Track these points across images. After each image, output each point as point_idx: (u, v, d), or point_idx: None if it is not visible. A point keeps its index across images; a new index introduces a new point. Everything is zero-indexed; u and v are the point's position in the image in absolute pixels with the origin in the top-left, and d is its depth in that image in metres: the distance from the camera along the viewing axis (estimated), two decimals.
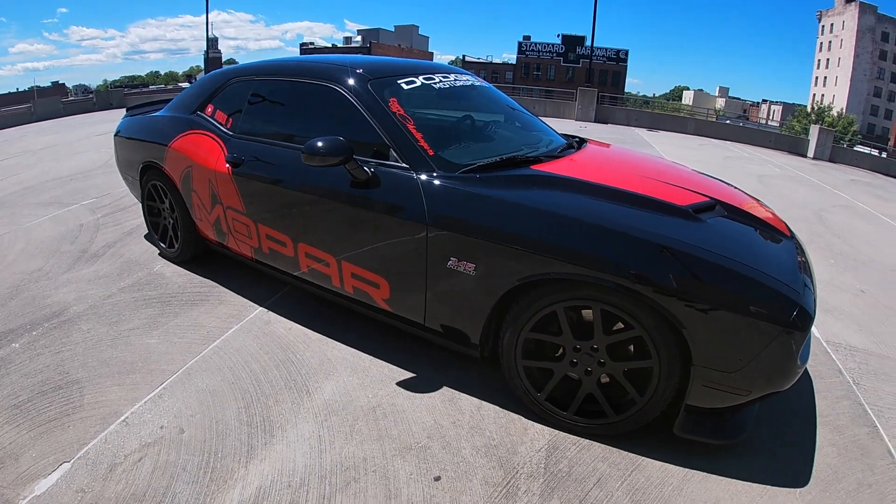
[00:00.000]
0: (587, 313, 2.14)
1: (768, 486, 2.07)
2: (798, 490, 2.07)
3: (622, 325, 2.08)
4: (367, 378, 2.63)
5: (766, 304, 1.88)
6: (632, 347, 2.15)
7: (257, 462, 2.10)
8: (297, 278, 3.02)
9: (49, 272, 3.87)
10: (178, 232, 3.80)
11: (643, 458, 2.17)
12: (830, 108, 48.63)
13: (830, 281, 4.48)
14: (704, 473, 2.11)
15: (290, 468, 2.07)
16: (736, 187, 2.98)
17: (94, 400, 2.46)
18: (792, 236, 2.52)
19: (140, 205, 4.61)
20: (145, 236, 4.56)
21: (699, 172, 3.08)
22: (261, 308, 3.31)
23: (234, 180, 3.05)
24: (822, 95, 66.03)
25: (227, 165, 3.07)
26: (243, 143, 3.10)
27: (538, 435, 2.28)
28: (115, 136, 4.33)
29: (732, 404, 2.03)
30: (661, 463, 2.15)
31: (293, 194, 2.80)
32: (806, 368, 2.88)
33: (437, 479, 2.04)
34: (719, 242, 2.10)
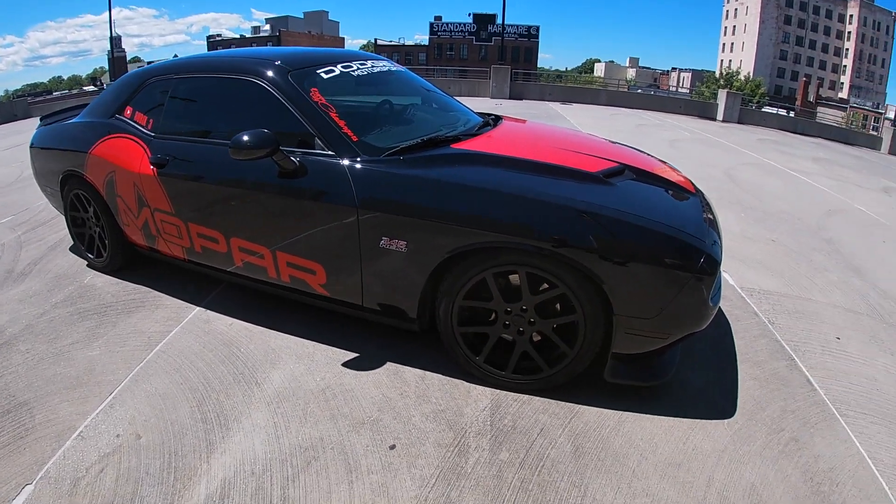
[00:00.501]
0: (514, 278, 2.29)
1: (698, 420, 2.28)
2: (726, 421, 2.28)
3: (547, 286, 2.24)
4: (313, 363, 2.70)
5: (674, 254, 2.08)
6: (558, 305, 2.32)
7: (218, 455, 2.15)
8: (233, 274, 3.04)
9: None
10: (105, 241, 3.72)
11: (580, 406, 2.35)
12: (738, 73, 50.92)
13: (742, 233, 4.82)
14: (638, 414, 2.30)
15: (251, 457, 2.13)
16: (644, 152, 3.19)
17: (46, 419, 2.42)
18: (697, 193, 2.73)
19: (62, 217, 4.46)
20: (70, 248, 4.42)
21: (609, 141, 3.28)
22: (199, 308, 3.31)
23: (160, 182, 3.03)
24: (730, 61, 69.11)
25: (152, 167, 3.04)
26: (167, 143, 3.08)
27: (481, 396, 2.43)
28: (31, 147, 4.16)
29: (655, 348, 2.23)
30: (598, 409, 2.34)
31: (222, 190, 2.83)
32: (723, 312, 3.15)
33: (392, 447, 2.15)
34: (629, 203, 2.28)
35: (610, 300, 2.12)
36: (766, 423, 2.27)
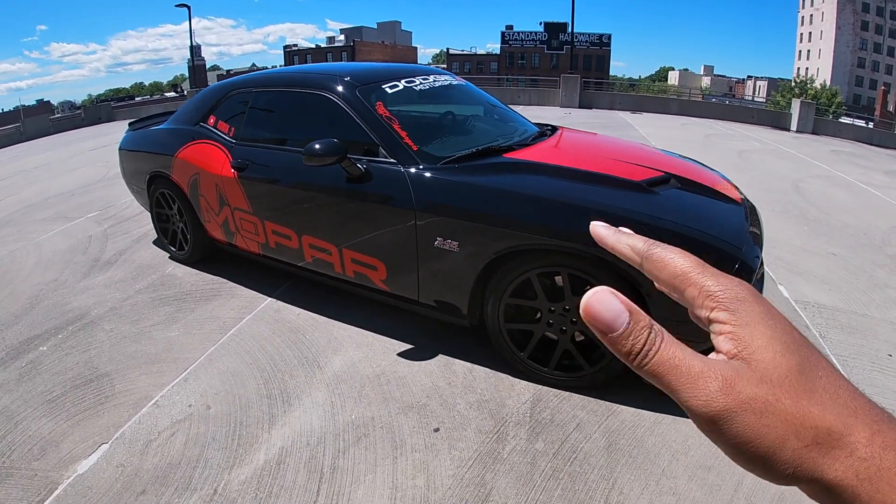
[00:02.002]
0: (558, 279, 2.45)
1: None
2: None
3: (588, 287, 2.39)
4: (371, 351, 2.94)
5: (709, 259, 2.18)
6: None
7: (279, 427, 2.41)
8: (303, 268, 3.32)
9: (66, 281, 4.15)
10: (187, 235, 4.10)
11: (618, 405, 2.46)
12: (812, 81, 48.73)
13: (802, 246, 4.74)
14: (675, 417, 2.37)
15: (308, 430, 2.38)
16: (698, 163, 3.27)
17: (125, 388, 2.75)
18: (743, 203, 2.80)
19: (146, 213, 4.88)
20: (154, 242, 4.84)
21: (660, 151, 3.38)
22: (270, 298, 3.61)
23: (240, 183, 3.36)
24: (807, 69, 66.10)
25: (233, 170, 3.38)
26: (246, 149, 3.41)
27: (524, 390, 2.59)
28: (120, 149, 4.60)
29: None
30: (635, 409, 2.44)
31: (295, 192, 3.12)
32: None
33: (437, 430, 2.35)
34: (670, 210, 2.41)
35: (647, 304, 2.24)
36: None
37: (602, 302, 0.33)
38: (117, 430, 2.44)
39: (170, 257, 4.42)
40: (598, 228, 0.41)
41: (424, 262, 2.69)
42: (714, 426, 0.31)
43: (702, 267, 0.36)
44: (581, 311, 0.33)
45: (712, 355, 0.33)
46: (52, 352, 3.14)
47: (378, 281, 2.93)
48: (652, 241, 0.38)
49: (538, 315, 2.56)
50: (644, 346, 0.32)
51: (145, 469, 2.21)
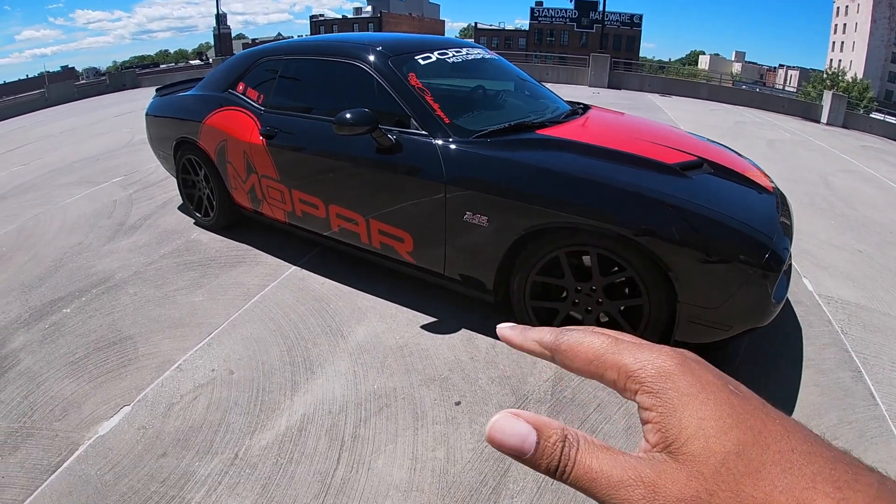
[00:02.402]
0: (587, 259, 2.43)
1: None
2: None
3: (616, 269, 2.38)
4: (395, 323, 2.95)
5: (741, 247, 2.15)
6: (626, 289, 2.44)
7: (301, 394, 2.43)
8: (329, 238, 3.34)
9: (90, 245, 4.20)
10: (213, 201, 4.12)
11: None
12: (844, 73, 47.53)
13: (828, 241, 4.66)
14: None
15: (330, 398, 2.40)
16: (729, 148, 3.21)
17: (148, 352, 2.79)
18: (775, 192, 2.75)
19: (170, 180, 4.91)
20: (179, 207, 4.87)
21: (692, 134, 3.33)
22: (295, 267, 3.63)
23: (268, 151, 3.35)
24: (840, 61, 64.45)
25: (261, 138, 3.37)
26: (275, 117, 3.41)
27: (546, 368, 2.59)
28: (147, 115, 4.61)
29: (717, 339, 2.29)
30: None
31: (324, 161, 3.11)
32: (795, 317, 3.11)
33: (458, 403, 2.36)
34: (703, 195, 2.36)
35: (675, 287, 2.22)
36: (820, 430, 2.20)
37: (505, 428, 0.31)
38: (140, 393, 2.48)
39: (195, 223, 4.45)
40: (505, 330, 0.40)
41: (452, 235, 2.68)
42: None
43: (617, 344, 0.33)
44: (488, 440, 0.31)
45: (641, 448, 0.31)
46: (75, 314, 3.18)
47: (404, 253, 2.93)
48: (561, 329, 0.36)
49: (564, 294, 2.54)
50: (559, 461, 0.30)
51: (167, 432, 2.24)
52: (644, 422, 0.31)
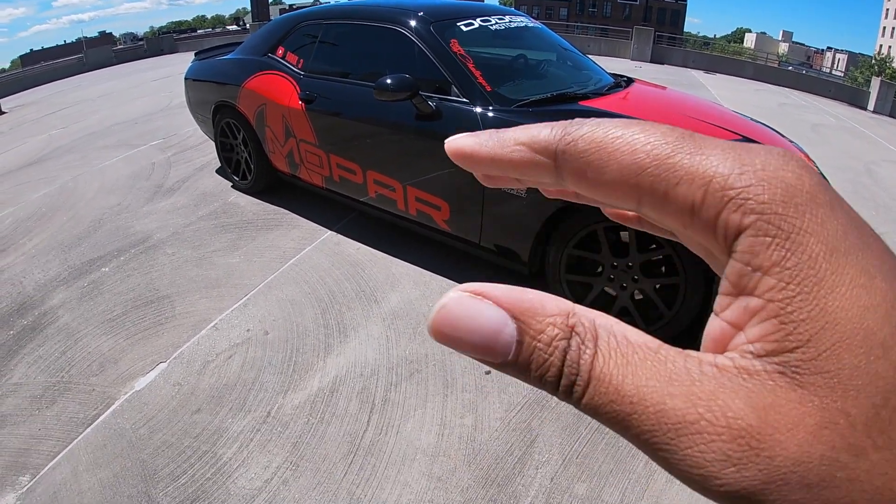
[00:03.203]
0: (624, 235, 2.40)
1: None
2: None
3: (654, 246, 2.34)
4: (428, 290, 2.97)
5: None
6: (662, 268, 2.40)
7: (334, 357, 2.46)
8: (365, 203, 3.35)
9: (129, 206, 4.28)
10: (251, 165, 4.15)
11: None
12: (892, 60, 45.69)
13: None
14: None
15: (362, 362, 2.43)
16: (776, 131, 3.11)
17: (185, 311, 2.85)
18: None
19: (208, 143, 4.95)
20: (216, 171, 4.93)
21: (738, 114, 3.23)
22: (330, 231, 3.66)
23: (307, 116, 3.36)
24: (890, 47, 62.09)
25: (301, 102, 3.38)
26: (315, 81, 3.40)
27: None
28: (186, 79, 4.64)
29: None
30: None
31: (363, 127, 3.10)
32: None
33: (488, 373, 2.36)
34: None
35: (712, 268, 2.17)
36: None
37: (462, 316, 0.18)
38: (176, 350, 2.54)
39: (232, 186, 4.50)
40: (458, 141, 0.25)
41: (489, 205, 2.66)
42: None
43: (691, 138, 0.19)
44: (433, 335, 0.18)
45: (729, 347, 0.18)
46: (113, 273, 3.26)
47: (440, 221, 2.92)
48: (570, 121, 0.21)
49: (600, 269, 2.51)
50: (561, 373, 0.17)
51: (201, 388, 2.30)
52: (739, 290, 0.17)
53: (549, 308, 0.18)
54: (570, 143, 0.20)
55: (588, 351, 0.17)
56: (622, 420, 0.17)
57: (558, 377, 0.17)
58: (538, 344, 0.18)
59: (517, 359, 0.18)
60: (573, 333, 0.18)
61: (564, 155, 0.20)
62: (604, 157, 0.19)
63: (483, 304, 0.18)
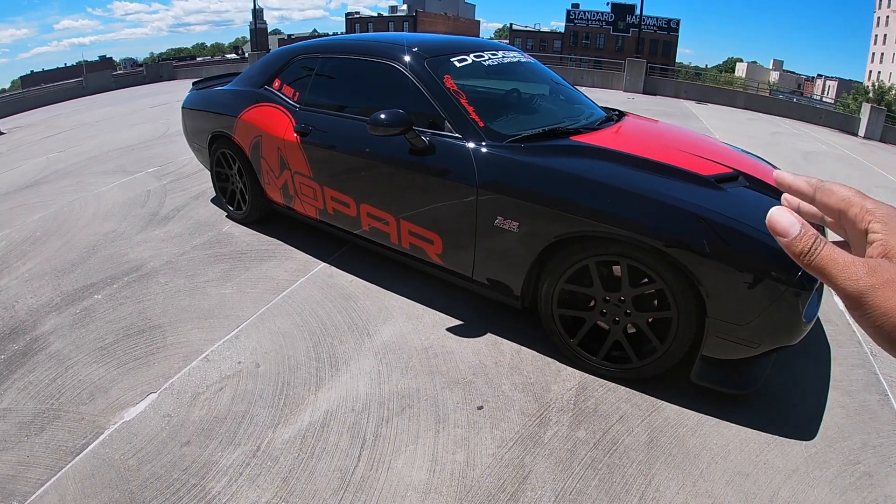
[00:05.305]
0: (616, 269, 2.41)
1: (776, 437, 2.23)
2: (804, 443, 2.21)
3: (646, 280, 2.34)
4: (421, 324, 2.96)
5: (773, 264, 2.07)
6: (655, 301, 2.41)
7: (325, 390, 2.45)
8: (359, 236, 3.36)
9: (123, 233, 4.28)
10: (245, 195, 4.18)
11: (663, 401, 2.42)
12: (891, 89, 46.14)
13: None
14: (718, 419, 2.32)
15: (354, 396, 2.42)
16: (765, 161, 3.15)
17: (176, 341, 2.83)
18: None
19: (205, 172, 4.97)
20: (211, 200, 4.94)
21: (728, 145, 3.27)
22: (324, 263, 3.66)
23: (302, 148, 3.39)
24: (879, 73, 62.91)
25: (296, 135, 3.41)
26: (310, 114, 3.44)
27: (570, 376, 2.57)
28: (183, 108, 4.69)
29: (745, 356, 2.23)
30: (679, 407, 2.38)
31: (357, 160, 3.13)
32: (825, 336, 3.03)
33: (480, 408, 2.35)
34: (737, 209, 2.29)
35: (704, 302, 2.18)
36: (843, 453, 2.17)
37: (782, 215, 0.44)
38: (166, 381, 2.52)
39: (227, 216, 4.52)
40: (781, 174, 0.53)
41: (482, 239, 2.68)
42: (859, 302, 0.40)
43: (861, 194, 0.46)
44: (767, 222, 0.45)
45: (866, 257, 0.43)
46: (106, 300, 3.24)
47: (433, 255, 2.94)
48: (819, 179, 0.50)
49: (592, 303, 2.52)
50: (811, 247, 0.42)
51: (191, 421, 2.28)
52: (870, 243, 0.43)
53: (811, 226, 0.44)
54: (821, 185, 0.48)
55: (821, 242, 0.42)
56: (826, 265, 0.42)
57: (807, 250, 0.43)
58: (805, 235, 0.43)
59: (794, 239, 0.43)
60: (818, 236, 0.43)
61: (818, 190, 0.48)
62: (830, 194, 0.47)
63: (790, 214, 0.44)
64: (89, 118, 11.17)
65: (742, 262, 2.10)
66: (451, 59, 3.09)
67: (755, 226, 2.18)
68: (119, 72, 25.30)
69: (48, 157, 7.45)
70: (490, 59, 3.31)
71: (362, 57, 3.32)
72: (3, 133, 10.70)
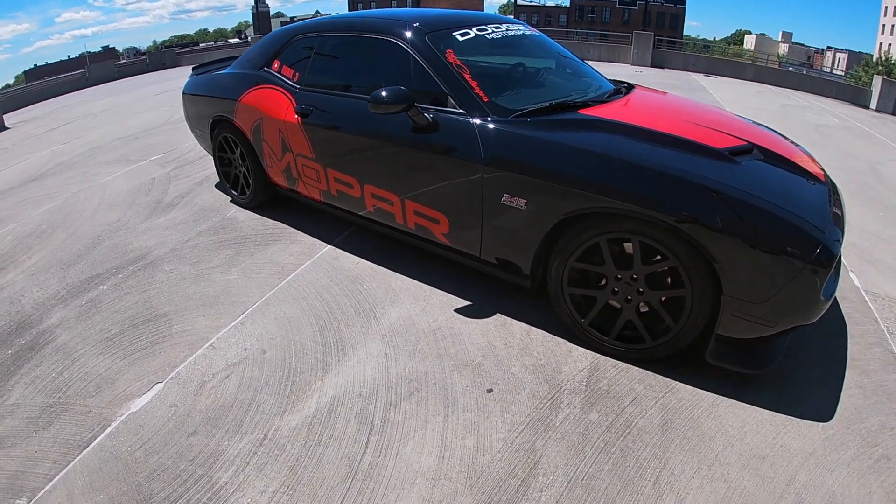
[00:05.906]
0: (628, 246, 2.34)
1: (793, 418, 2.16)
2: (821, 424, 2.14)
3: (659, 258, 2.27)
4: (428, 305, 2.91)
5: (791, 240, 2.00)
6: (668, 279, 2.33)
7: (332, 376, 2.41)
8: (363, 217, 3.30)
9: (128, 222, 4.26)
10: (249, 180, 4.12)
11: (677, 382, 2.35)
12: None
13: (877, 234, 4.42)
14: (733, 400, 2.25)
15: (361, 381, 2.37)
16: (779, 134, 3.05)
17: (182, 329, 2.80)
18: (826, 181, 2.57)
19: (208, 157, 4.92)
20: (216, 186, 4.91)
21: (741, 118, 3.17)
22: (329, 246, 3.62)
23: (303, 129, 3.32)
24: (889, 45, 61.80)
25: (297, 116, 3.34)
26: (311, 94, 3.37)
27: (581, 357, 2.51)
28: (184, 94, 4.63)
29: (761, 335, 2.16)
30: (693, 388, 2.32)
31: (359, 140, 3.06)
32: (841, 314, 2.94)
33: (490, 391, 2.30)
34: (752, 183, 2.22)
35: (720, 280, 2.10)
36: (861, 435, 2.11)
37: None
38: (172, 371, 2.50)
39: (231, 201, 4.48)
40: None
41: (489, 218, 2.61)
42: None
43: None
44: None
45: None
46: (112, 291, 3.22)
47: (439, 234, 2.87)
48: None
49: (603, 281, 2.45)
50: None
51: (198, 410, 2.25)
52: None
53: None
54: None
55: None
56: None
57: None
58: None
59: None
60: None
61: None
62: None
63: None
64: (93, 108, 11.14)
65: (757, 238, 2.01)
66: (454, 34, 3.00)
67: (771, 200, 2.11)
68: (122, 61, 25.18)
69: (53, 149, 7.43)
70: (494, 32, 3.21)
71: (361, 34, 3.23)
72: (7, 128, 10.69)
